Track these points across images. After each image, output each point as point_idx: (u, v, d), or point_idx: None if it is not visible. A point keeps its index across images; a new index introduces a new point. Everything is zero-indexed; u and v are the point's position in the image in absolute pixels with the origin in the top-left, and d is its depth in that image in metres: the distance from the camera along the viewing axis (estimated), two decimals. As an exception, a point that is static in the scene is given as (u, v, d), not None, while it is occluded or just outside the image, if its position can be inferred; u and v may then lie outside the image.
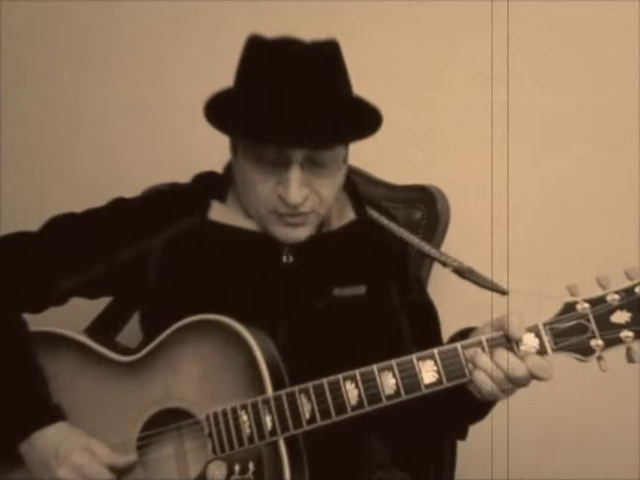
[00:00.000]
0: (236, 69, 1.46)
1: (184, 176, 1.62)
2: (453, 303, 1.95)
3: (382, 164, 1.91)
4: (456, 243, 1.86)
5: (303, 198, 1.40)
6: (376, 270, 1.54)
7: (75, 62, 2.16)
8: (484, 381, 1.28)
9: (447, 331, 1.53)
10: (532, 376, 1.27)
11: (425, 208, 1.86)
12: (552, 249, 2.03)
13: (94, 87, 2.16)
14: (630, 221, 1.99)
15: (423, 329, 1.41)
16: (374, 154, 1.77)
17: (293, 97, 1.36)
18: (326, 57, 1.42)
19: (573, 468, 2.03)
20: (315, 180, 1.42)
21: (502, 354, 1.28)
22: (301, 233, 1.47)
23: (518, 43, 1.98)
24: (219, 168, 1.60)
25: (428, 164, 2.03)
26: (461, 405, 1.38)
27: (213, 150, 1.77)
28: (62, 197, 2.12)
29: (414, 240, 1.58)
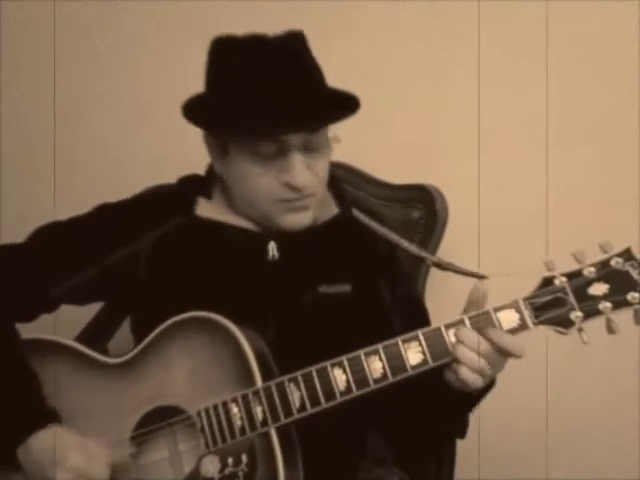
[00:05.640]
0: (206, 72, 1.47)
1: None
2: (450, 304, 1.95)
3: (381, 164, 1.91)
4: (454, 242, 1.85)
5: (308, 180, 1.43)
6: (363, 269, 1.55)
7: (75, 62, 2.17)
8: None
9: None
10: (498, 350, 1.28)
11: (423, 207, 1.86)
12: (553, 248, 2.02)
13: (94, 87, 2.17)
14: (631, 223, 1.98)
15: (413, 322, 1.41)
16: (373, 154, 1.78)
17: (276, 88, 1.39)
18: (298, 48, 1.45)
19: (573, 468, 2.02)
20: (312, 163, 1.45)
21: (463, 331, 1.29)
22: (305, 218, 1.48)
23: (519, 44, 1.99)
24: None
25: (427, 164, 2.02)
26: (444, 396, 1.38)
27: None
28: (62, 197, 2.11)
29: (394, 237, 1.60)
